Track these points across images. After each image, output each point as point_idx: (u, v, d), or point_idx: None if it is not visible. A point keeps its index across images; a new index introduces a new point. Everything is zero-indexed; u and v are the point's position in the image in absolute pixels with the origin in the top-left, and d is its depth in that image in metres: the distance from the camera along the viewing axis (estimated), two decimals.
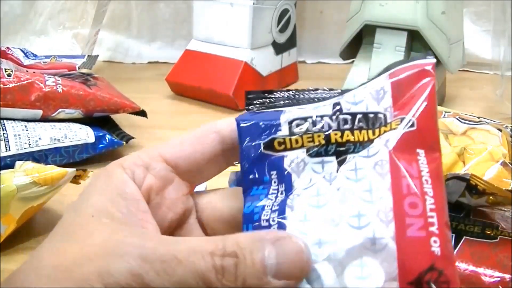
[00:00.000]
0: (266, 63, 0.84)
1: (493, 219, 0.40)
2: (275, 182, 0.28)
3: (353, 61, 0.79)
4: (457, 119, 0.48)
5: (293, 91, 0.30)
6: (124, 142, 0.65)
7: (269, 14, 0.83)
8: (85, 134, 0.62)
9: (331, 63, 1.01)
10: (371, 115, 0.27)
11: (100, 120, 0.67)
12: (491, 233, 0.39)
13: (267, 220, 0.27)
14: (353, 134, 0.27)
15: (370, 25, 0.74)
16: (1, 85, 0.61)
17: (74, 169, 0.50)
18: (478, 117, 0.50)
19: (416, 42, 0.75)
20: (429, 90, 0.26)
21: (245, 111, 0.30)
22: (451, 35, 0.73)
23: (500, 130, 0.46)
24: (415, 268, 0.23)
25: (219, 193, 0.31)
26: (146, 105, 0.69)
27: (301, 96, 0.29)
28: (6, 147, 0.58)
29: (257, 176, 0.28)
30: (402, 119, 0.26)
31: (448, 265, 0.24)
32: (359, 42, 0.78)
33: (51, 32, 1.04)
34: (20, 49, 0.84)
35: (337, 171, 0.27)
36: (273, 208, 0.27)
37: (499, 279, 0.36)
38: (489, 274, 0.36)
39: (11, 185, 0.46)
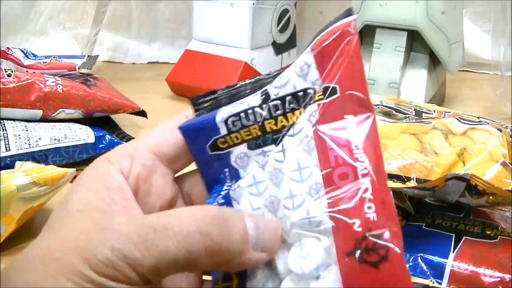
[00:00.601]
0: (266, 63, 0.84)
1: (493, 219, 0.40)
2: (229, 179, 0.28)
3: None
4: (457, 119, 0.48)
5: (235, 86, 0.30)
6: (124, 142, 0.65)
7: (269, 14, 0.83)
8: (85, 134, 0.62)
9: None
10: (301, 93, 0.27)
11: (100, 120, 0.67)
12: (491, 233, 0.39)
13: None
14: (286, 118, 0.27)
15: (370, 25, 0.74)
16: (1, 85, 0.61)
17: (74, 169, 0.50)
18: (478, 117, 0.50)
19: (416, 42, 0.75)
20: (351, 50, 0.25)
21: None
22: (451, 35, 0.73)
23: (500, 130, 0.46)
24: (350, 238, 0.23)
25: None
26: (146, 105, 0.69)
27: (242, 88, 0.29)
28: (6, 147, 0.58)
29: (213, 176, 0.28)
30: (325, 89, 0.26)
31: (386, 229, 0.23)
32: None
33: (51, 32, 1.04)
34: (20, 49, 0.84)
35: (267, 155, 0.27)
36: (220, 202, 0.27)
37: (499, 279, 0.36)
38: (489, 274, 0.36)
39: (11, 185, 0.46)
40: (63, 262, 0.23)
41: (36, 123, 0.62)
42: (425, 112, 0.50)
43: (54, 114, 0.63)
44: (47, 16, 1.03)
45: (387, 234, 0.23)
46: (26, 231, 0.50)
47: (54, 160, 0.60)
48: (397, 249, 0.23)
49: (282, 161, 0.26)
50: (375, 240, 0.23)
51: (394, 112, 0.49)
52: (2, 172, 0.48)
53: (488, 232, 0.39)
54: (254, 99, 0.27)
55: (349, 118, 0.25)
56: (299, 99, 0.27)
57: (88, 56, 0.86)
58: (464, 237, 0.38)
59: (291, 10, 0.87)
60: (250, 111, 0.27)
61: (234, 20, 0.81)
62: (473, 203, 0.40)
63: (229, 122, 0.28)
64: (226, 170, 0.28)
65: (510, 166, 0.41)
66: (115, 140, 0.64)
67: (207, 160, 0.28)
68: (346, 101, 0.25)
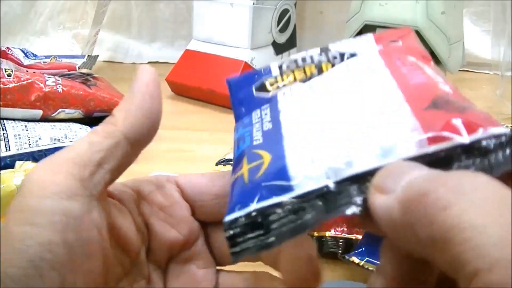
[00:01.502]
0: (266, 63, 0.84)
1: None
2: (264, 111, 0.27)
3: None
4: None
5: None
6: None
7: (269, 14, 0.83)
8: (85, 134, 0.62)
9: None
10: (359, 56, 0.27)
11: (100, 120, 0.66)
12: None
13: (259, 117, 0.26)
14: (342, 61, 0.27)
15: (370, 25, 0.74)
16: (1, 85, 0.61)
17: None
18: None
19: None
20: (408, 32, 0.27)
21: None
22: (451, 35, 0.73)
23: None
24: (426, 98, 0.22)
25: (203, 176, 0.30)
26: None
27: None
28: (6, 147, 0.58)
29: (247, 110, 0.28)
30: (388, 42, 0.26)
31: (466, 100, 0.22)
32: None
33: (51, 32, 1.04)
34: (20, 49, 0.84)
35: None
36: (264, 118, 0.26)
37: None
38: None
39: (11, 185, 0.46)
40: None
41: (36, 123, 0.62)
42: None
43: (54, 114, 0.63)
44: (47, 16, 1.03)
45: (467, 101, 0.22)
46: None
47: None
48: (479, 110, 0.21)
49: (345, 70, 0.26)
50: (452, 100, 0.21)
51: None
52: (2, 172, 0.48)
53: None
54: (313, 50, 0.27)
55: (413, 59, 0.25)
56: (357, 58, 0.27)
57: (88, 56, 0.86)
58: None
59: (291, 10, 0.87)
60: (308, 56, 0.27)
61: (234, 20, 0.81)
62: None
63: (284, 66, 0.27)
64: (266, 105, 0.27)
65: None
66: None
67: (248, 101, 0.27)
68: (409, 50, 0.25)
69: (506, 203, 0.16)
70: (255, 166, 0.23)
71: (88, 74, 0.73)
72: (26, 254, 0.20)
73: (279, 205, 0.21)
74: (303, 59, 0.27)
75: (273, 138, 0.24)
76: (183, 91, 0.85)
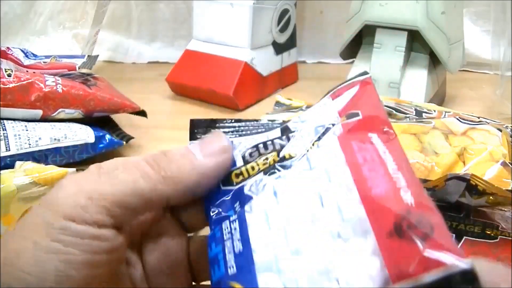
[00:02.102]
0: (266, 63, 0.84)
1: (493, 219, 0.40)
2: (233, 224, 0.27)
3: (353, 61, 0.79)
4: (457, 119, 0.48)
5: (236, 121, 0.29)
6: (124, 142, 0.65)
7: (269, 14, 0.83)
8: (85, 134, 0.62)
9: (331, 63, 1.01)
10: (320, 128, 0.27)
11: (100, 120, 0.67)
12: (491, 233, 0.39)
13: (229, 232, 0.26)
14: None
15: (370, 25, 0.74)
16: (1, 85, 0.61)
17: (74, 169, 0.50)
18: (478, 117, 0.50)
19: (416, 42, 0.75)
20: (369, 91, 0.26)
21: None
22: (451, 35, 0.73)
23: (500, 130, 0.46)
24: (388, 220, 0.21)
25: None
26: (146, 105, 0.69)
27: (244, 127, 0.29)
28: (6, 147, 0.58)
29: (222, 213, 0.27)
30: (347, 115, 0.26)
31: (428, 211, 0.21)
32: (359, 42, 0.78)
33: (51, 32, 1.04)
34: (20, 49, 0.84)
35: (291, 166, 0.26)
36: (231, 219, 0.26)
37: None
38: None
39: (11, 185, 0.46)
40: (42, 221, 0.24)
41: (36, 123, 0.62)
42: (426, 112, 0.50)
43: (54, 114, 0.63)
44: (47, 16, 1.03)
45: (431, 216, 0.21)
46: None
47: (54, 160, 0.60)
48: (443, 224, 0.21)
49: (307, 169, 0.25)
50: (418, 219, 0.21)
51: (394, 112, 0.49)
52: (2, 172, 0.48)
53: (488, 232, 0.39)
54: (273, 133, 0.27)
55: (373, 136, 0.25)
56: (318, 132, 0.27)
57: (88, 56, 0.86)
58: (464, 237, 0.38)
59: (291, 10, 0.87)
60: (269, 142, 0.27)
61: (234, 20, 0.81)
62: (473, 203, 0.40)
63: (246, 154, 0.27)
64: (237, 203, 0.27)
65: (510, 166, 0.41)
66: (115, 140, 0.64)
67: (217, 196, 0.28)
68: (369, 124, 0.25)
69: None
70: None
71: (88, 74, 0.73)
72: (49, 267, 0.22)
73: None
74: (265, 146, 0.27)
75: (246, 267, 0.24)
76: (183, 91, 0.85)
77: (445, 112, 0.50)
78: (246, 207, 0.26)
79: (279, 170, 0.27)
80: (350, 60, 0.81)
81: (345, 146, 0.25)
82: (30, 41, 1.01)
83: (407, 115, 0.48)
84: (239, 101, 0.79)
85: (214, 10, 0.83)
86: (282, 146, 0.27)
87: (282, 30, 0.87)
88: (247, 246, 0.25)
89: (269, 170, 0.27)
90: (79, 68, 0.81)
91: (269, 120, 0.29)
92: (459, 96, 0.85)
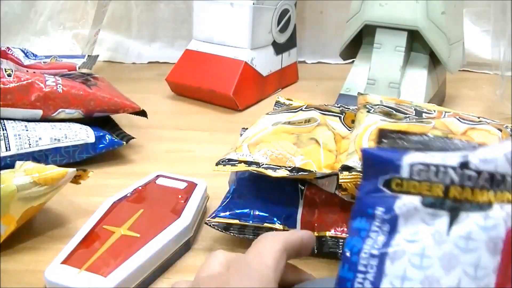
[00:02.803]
0: (266, 63, 0.84)
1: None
2: (379, 219, 0.27)
3: (353, 61, 0.79)
4: (457, 119, 0.48)
5: (428, 136, 0.29)
6: (124, 142, 0.65)
7: (269, 14, 0.83)
8: (85, 134, 0.62)
9: (331, 63, 1.01)
10: (499, 177, 0.25)
11: (100, 120, 0.67)
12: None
13: (365, 266, 0.26)
14: (473, 193, 0.26)
15: (370, 25, 0.74)
16: (1, 85, 0.61)
17: (74, 169, 0.50)
18: (478, 117, 0.50)
19: (416, 42, 0.75)
20: None
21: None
22: (451, 35, 0.73)
23: (500, 130, 0.46)
24: None
25: None
26: (146, 105, 0.69)
27: (435, 143, 0.29)
28: (6, 147, 0.58)
29: (363, 207, 0.28)
30: None
31: None
32: (359, 42, 0.78)
33: (51, 32, 1.04)
34: (20, 49, 0.84)
35: (448, 232, 0.25)
36: (373, 252, 0.26)
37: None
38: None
39: (11, 185, 0.46)
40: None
41: (36, 123, 0.62)
42: (426, 112, 0.50)
43: (54, 114, 0.63)
44: (47, 16, 1.03)
45: None
46: (26, 231, 0.50)
47: (54, 160, 0.60)
48: None
49: (463, 249, 0.25)
50: None
51: (394, 112, 0.49)
52: (2, 172, 0.48)
53: None
54: (451, 159, 0.26)
55: None
56: (494, 181, 0.25)
57: (88, 56, 0.86)
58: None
59: (291, 10, 0.87)
60: (442, 168, 0.26)
61: (234, 20, 0.81)
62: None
63: (415, 168, 0.27)
64: (380, 209, 0.27)
65: None
66: (115, 140, 0.64)
67: (370, 191, 0.27)
68: None
69: None
70: None
71: (88, 74, 0.72)
72: None
73: None
74: (436, 172, 0.26)
75: None
76: (183, 91, 0.85)
77: (445, 112, 0.50)
78: (390, 249, 0.26)
79: (435, 207, 0.26)
80: (350, 60, 0.81)
81: (507, 247, 0.24)
82: (30, 41, 1.01)
83: (407, 115, 0.48)
84: (239, 101, 0.79)
85: (214, 10, 0.83)
86: (452, 181, 0.26)
87: (282, 30, 0.87)
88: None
89: (427, 199, 0.26)
90: (79, 68, 0.81)
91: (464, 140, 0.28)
92: (459, 96, 0.85)
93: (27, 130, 0.60)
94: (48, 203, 0.51)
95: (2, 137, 0.58)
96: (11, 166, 0.51)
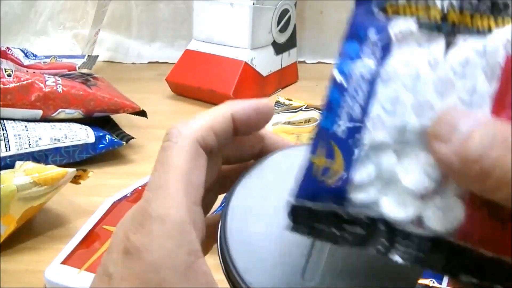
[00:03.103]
0: (266, 63, 0.84)
1: None
2: (372, 42, 0.25)
3: None
4: None
5: None
6: (124, 142, 0.65)
7: (269, 14, 0.83)
8: (85, 134, 0.62)
9: (331, 63, 1.01)
10: (501, 4, 0.24)
11: (100, 120, 0.67)
12: None
13: (355, 88, 0.25)
14: (472, 18, 0.24)
15: None
16: (1, 85, 0.61)
17: (74, 169, 0.50)
18: None
19: None
20: None
21: None
22: None
23: None
24: None
25: None
26: (146, 105, 0.69)
27: None
28: (6, 147, 0.58)
29: (354, 29, 0.26)
30: None
31: None
32: None
33: (51, 32, 1.04)
34: (20, 49, 0.84)
35: (444, 56, 0.24)
36: (363, 74, 0.25)
37: None
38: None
39: (11, 185, 0.46)
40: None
41: (36, 123, 0.62)
42: None
43: (54, 114, 0.63)
44: (47, 16, 1.03)
45: None
46: (26, 231, 0.50)
47: (54, 160, 0.60)
48: None
49: (459, 74, 0.23)
50: None
51: None
52: (2, 172, 0.48)
53: None
54: None
55: None
56: (496, 8, 0.24)
57: (88, 56, 0.86)
58: None
59: (291, 10, 0.87)
60: None
61: (234, 20, 0.81)
62: None
63: None
64: (373, 30, 0.25)
65: None
66: (115, 140, 0.64)
67: (360, 13, 0.26)
68: None
69: None
70: (326, 166, 0.24)
71: (88, 74, 0.73)
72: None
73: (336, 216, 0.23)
74: None
75: (355, 134, 0.24)
76: (183, 91, 0.85)
77: None
78: (383, 72, 0.24)
79: (432, 29, 0.25)
80: None
81: (505, 74, 0.23)
82: (30, 41, 1.01)
83: None
84: None
85: (214, 10, 0.83)
86: (451, 4, 0.24)
87: (282, 30, 0.87)
88: (362, 120, 0.24)
89: (424, 22, 0.25)
90: (79, 68, 0.81)
91: None
92: None
93: (27, 130, 0.60)
94: (48, 203, 0.51)
95: (2, 137, 0.58)
96: (11, 166, 0.51)
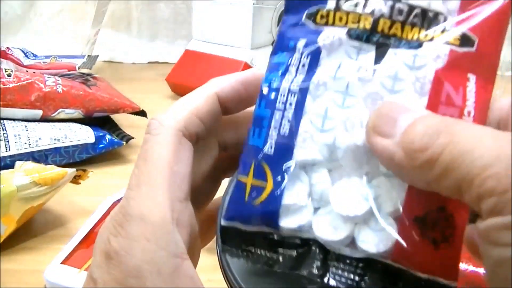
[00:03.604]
0: (266, 63, 0.84)
1: None
2: (300, 52, 0.24)
3: None
4: None
5: None
6: (124, 142, 0.65)
7: (269, 14, 0.83)
8: (85, 134, 0.62)
9: None
10: (431, 14, 0.23)
11: (100, 120, 0.67)
12: None
13: (284, 103, 0.24)
14: (403, 29, 0.23)
15: None
16: (1, 85, 0.61)
17: (74, 169, 0.50)
18: None
19: None
20: (501, 8, 0.23)
21: None
22: None
23: None
24: (424, 205, 0.21)
25: None
26: (146, 105, 0.69)
27: None
28: (6, 147, 0.58)
29: (284, 40, 0.25)
30: (462, 37, 0.23)
31: (460, 211, 0.21)
32: None
33: (51, 32, 1.04)
34: (20, 49, 0.84)
35: (374, 71, 0.23)
36: (292, 88, 0.24)
37: None
38: None
39: (11, 185, 0.46)
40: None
41: (36, 123, 0.62)
42: None
43: (54, 114, 0.63)
44: (47, 16, 1.03)
45: (459, 217, 0.21)
46: (26, 231, 0.50)
47: (54, 160, 0.60)
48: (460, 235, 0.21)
49: (389, 89, 0.23)
50: (445, 217, 0.21)
51: None
52: (2, 172, 0.48)
53: None
54: None
55: (471, 79, 0.23)
56: (426, 18, 0.23)
57: (88, 56, 0.86)
58: None
59: None
60: (371, 1, 0.24)
61: (234, 20, 0.81)
62: None
63: (342, 1, 0.24)
64: (303, 41, 0.24)
65: None
66: (115, 140, 0.64)
67: (293, 25, 0.25)
68: (477, 62, 0.23)
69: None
70: (256, 186, 0.23)
71: (88, 74, 0.73)
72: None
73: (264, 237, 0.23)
74: (365, 3, 0.24)
75: (281, 159, 0.23)
76: (183, 91, 0.84)
77: None
78: (311, 85, 0.23)
79: (360, 39, 0.24)
80: None
81: (435, 88, 0.22)
82: (30, 41, 1.01)
83: None
84: None
85: (214, 10, 0.83)
86: (381, 13, 0.24)
87: None
88: (292, 137, 0.23)
89: (354, 31, 0.24)
90: (79, 68, 0.81)
91: None
92: None
93: (27, 130, 0.60)
94: (48, 203, 0.51)
95: (2, 137, 0.58)
96: (11, 166, 0.51)
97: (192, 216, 0.23)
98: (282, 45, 0.25)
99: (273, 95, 0.24)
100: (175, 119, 0.24)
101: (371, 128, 0.21)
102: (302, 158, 0.23)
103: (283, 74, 0.24)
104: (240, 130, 0.27)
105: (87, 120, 0.65)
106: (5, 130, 0.59)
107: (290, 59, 0.24)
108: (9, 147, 0.58)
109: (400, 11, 0.23)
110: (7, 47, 0.83)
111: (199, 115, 0.25)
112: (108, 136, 0.64)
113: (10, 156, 0.57)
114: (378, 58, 0.23)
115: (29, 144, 0.59)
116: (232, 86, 0.26)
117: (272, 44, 0.85)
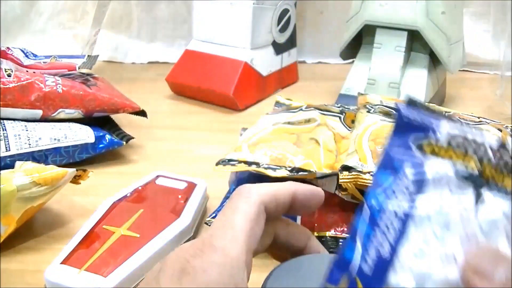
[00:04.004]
0: (266, 63, 0.84)
1: None
2: (407, 178, 0.25)
3: (353, 61, 0.79)
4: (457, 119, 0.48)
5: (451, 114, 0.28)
6: (124, 142, 0.65)
7: (269, 14, 0.83)
8: (85, 134, 0.62)
9: (331, 63, 1.01)
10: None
11: (100, 120, 0.67)
12: None
13: (387, 225, 0.25)
14: (504, 178, 0.25)
15: (370, 25, 0.74)
16: (1, 85, 0.61)
17: (74, 169, 0.50)
18: (478, 117, 0.50)
19: (416, 42, 0.75)
20: None
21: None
22: (451, 35, 0.73)
23: (500, 130, 0.46)
24: None
25: None
26: (146, 105, 0.69)
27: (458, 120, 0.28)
28: (6, 147, 0.58)
29: (389, 160, 0.25)
30: None
31: None
32: (359, 42, 0.78)
33: (51, 32, 1.04)
34: (20, 49, 0.84)
35: (475, 211, 0.24)
36: (397, 211, 0.25)
37: None
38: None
39: (11, 185, 0.46)
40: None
41: (36, 123, 0.62)
42: None
43: (54, 114, 0.63)
44: (47, 16, 1.03)
45: None
46: (26, 231, 0.50)
47: (54, 160, 0.60)
48: None
49: (485, 233, 0.24)
50: None
51: (394, 112, 0.49)
52: (2, 172, 0.48)
53: None
54: (490, 137, 0.25)
55: None
56: None
57: (88, 56, 0.86)
58: None
59: (291, 10, 0.87)
60: (482, 147, 0.25)
61: (234, 20, 0.81)
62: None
63: (452, 137, 0.25)
64: (408, 165, 0.25)
65: None
66: (115, 140, 0.64)
67: (396, 145, 0.26)
68: None
69: None
70: None
71: (88, 74, 0.73)
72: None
73: None
74: (474, 149, 0.25)
75: (381, 274, 0.24)
76: (183, 91, 0.85)
77: (445, 112, 0.50)
78: (415, 210, 0.24)
79: (466, 180, 0.25)
80: (350, 60, 0.81)
81: None
82: (30, 41, 1.01)
83: None
84: (239, 101, 0.79)
85: (214, 10, 0.83)
86: (487, 159, 0.25)
87: (282, 30, 0.87)
88: (391, 260, 0.24)
89: (460, 170, 0.25)
90: (79, 68, 0.81)
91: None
92: (459, 96, 0.85)
93: (27, 130, 0.60)
94: (48, 203, 0.51)
95: (2, 137, 0.58)
96: (11, 166, 0.51)
97: (250, 265, 0.29)
98: (387, 164, 0.26)
99: (376, 215, 0.25)
100: (261, 192, 0.30)
101: (471, 268, 0.23)
102: (397, 284, 0.24)
103: (388, 196, 0.25)
104: (292, 235, 0.33)
105: (87, 120, 0.65)
106: (5, 130, 0.59)
107: (396, 182, 0.25)
108: (9, 147, 0.58)
109: (506, 164, 0.25)
110: (7, 47, 0.83)
111: (277, 200, 0.30)
112: (108, 136, 0.64)
113: (10, 156, 0.57)
114: (478, 199, 0.25)
115: (29, 144, 0.59)
116: (306, 192, 0.32)
117: (272, 44, 0.85)
